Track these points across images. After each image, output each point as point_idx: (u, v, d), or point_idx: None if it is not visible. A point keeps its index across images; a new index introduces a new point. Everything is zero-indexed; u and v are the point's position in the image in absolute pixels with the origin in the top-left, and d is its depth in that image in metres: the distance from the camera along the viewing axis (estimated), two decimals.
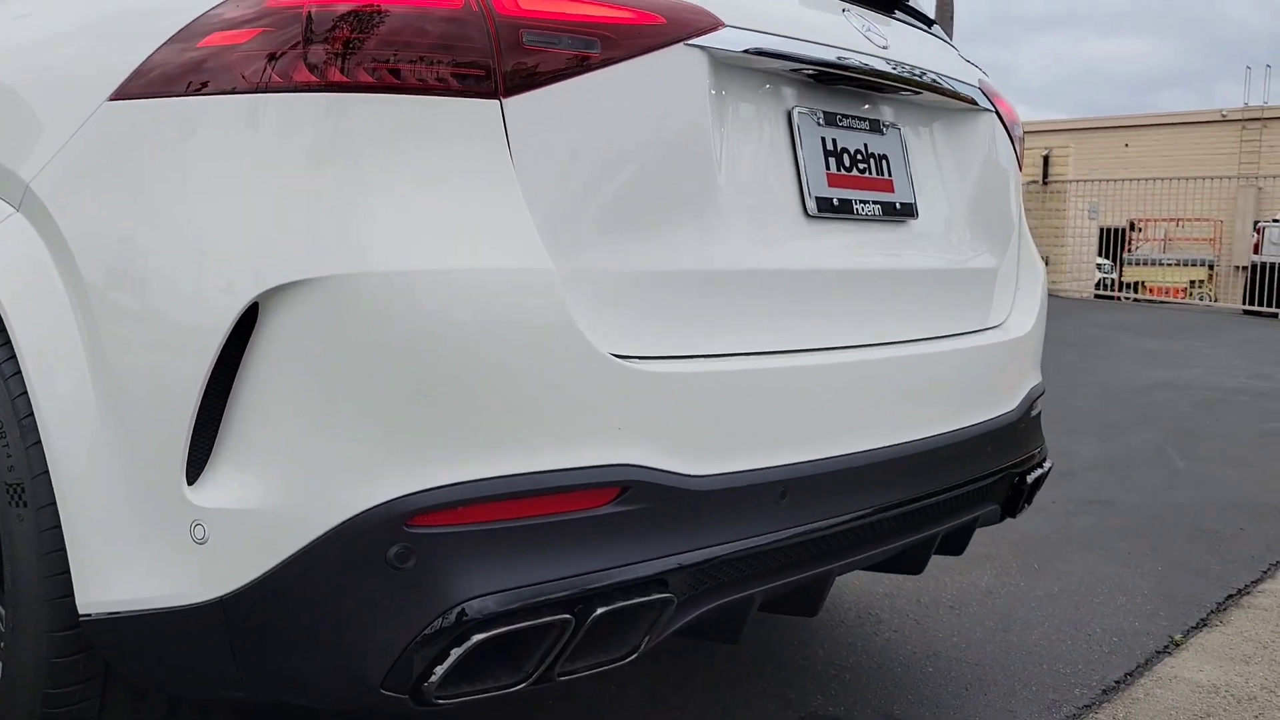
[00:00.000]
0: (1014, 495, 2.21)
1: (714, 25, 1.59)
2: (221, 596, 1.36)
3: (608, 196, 1.49)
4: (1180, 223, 20.47)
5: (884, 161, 1.92)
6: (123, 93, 1.46)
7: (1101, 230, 17.90)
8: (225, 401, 1.35)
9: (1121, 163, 26.88)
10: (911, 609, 2.92)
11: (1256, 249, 16.61)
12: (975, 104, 2.14)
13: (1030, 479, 2.21)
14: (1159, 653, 2.67)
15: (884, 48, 1.89)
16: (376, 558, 1.32)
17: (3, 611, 1.59)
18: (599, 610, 1.41)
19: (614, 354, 1.43)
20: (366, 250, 1.32)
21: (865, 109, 1.91)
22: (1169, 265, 19.14)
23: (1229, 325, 12.90)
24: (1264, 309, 15.08)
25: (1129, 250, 19.76)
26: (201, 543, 1.37)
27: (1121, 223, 19.28)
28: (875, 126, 1.92)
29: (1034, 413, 2.26)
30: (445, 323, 1.32)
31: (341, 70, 1.34)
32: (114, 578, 1.43)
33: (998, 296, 2.21)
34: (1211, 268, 19.51)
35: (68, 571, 1.47)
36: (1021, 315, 2.25)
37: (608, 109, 1.48)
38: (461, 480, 1.33)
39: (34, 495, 1.51)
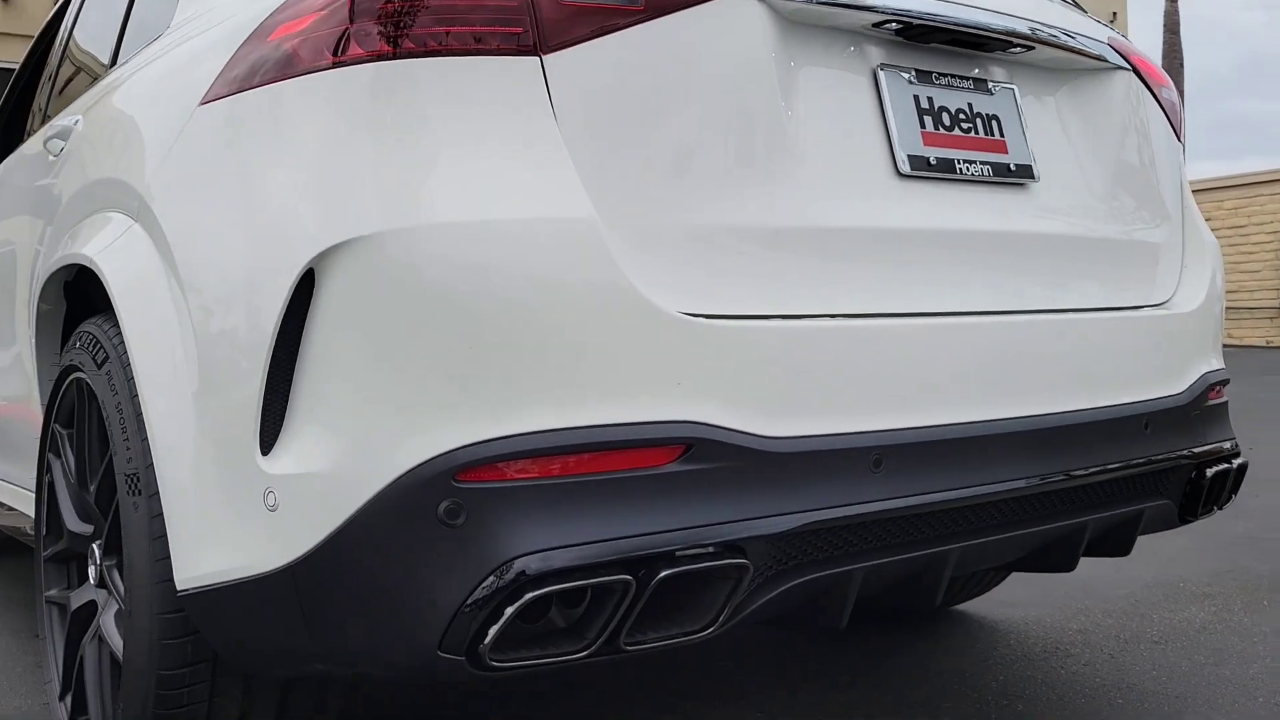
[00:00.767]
0: (1193, 493, 1.98)
1: None
2: (290, 563, 1.38)
3: (667, 153, 1.46)
4: None
5: (994, 121, 1.80)
6: (209, 96, 1.57)
7: None
8: (293, 368, 1.39)
9: None
10: (1107, 644, 2.64)
11: None
12: (1105, 61, 1.98)
13: (1210, 474, 1.98)
14: None
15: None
16: (428, 514, 1.30)
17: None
18: (663, 573, 1.34)
19: (678, 310, 1.39)
20: (411, 205, 1.33)
21: (965, 66, 1.81)
22: None
23: None
24: None
25: None
26: (273, 510, 1.40)
27: None
28: (981, 85, 1.81)
29: (1211, 401, 2.03)
30: (484, 272, 1.32)
31: (387, 41, 1.38)
32: (202, 553, 1.48)
33: (1155, 270, 2.02)
34: None
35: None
36: (1187, 292, 2.04)
37: (659, 62, 1.46)
38: (506, 434, 1.31)
39: (146, 484, 1.60)
